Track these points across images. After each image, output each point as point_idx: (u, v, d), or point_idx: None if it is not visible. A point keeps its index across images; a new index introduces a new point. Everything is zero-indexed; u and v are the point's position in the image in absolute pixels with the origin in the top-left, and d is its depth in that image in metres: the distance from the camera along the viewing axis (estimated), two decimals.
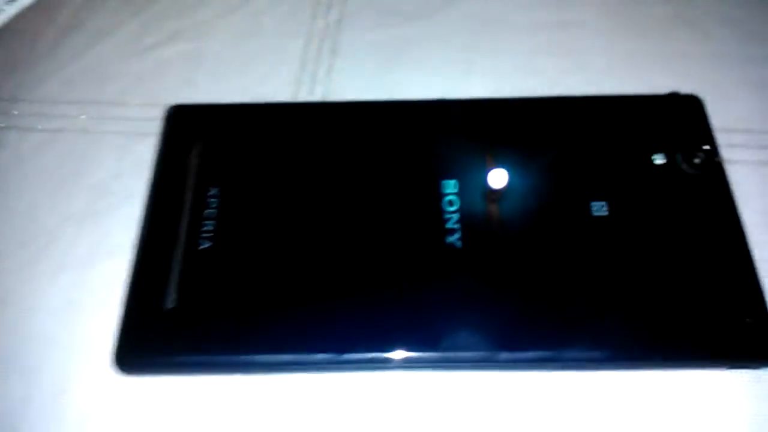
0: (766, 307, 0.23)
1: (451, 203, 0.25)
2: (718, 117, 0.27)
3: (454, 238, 0.24)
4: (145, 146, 0.28)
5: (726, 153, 0.26)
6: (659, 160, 0.25)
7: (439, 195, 0.25)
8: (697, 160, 0.25)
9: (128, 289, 0.24)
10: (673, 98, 0.27)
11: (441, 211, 0.25)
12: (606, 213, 0.24)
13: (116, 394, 0.23)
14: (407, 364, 0.22)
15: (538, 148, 0.26)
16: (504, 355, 0.22)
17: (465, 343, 0.22)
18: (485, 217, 0.24)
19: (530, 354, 0.22)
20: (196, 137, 0.27)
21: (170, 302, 0.23)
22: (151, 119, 0.29)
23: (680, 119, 0.27)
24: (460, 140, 0.27)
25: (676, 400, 0.22)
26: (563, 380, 0.23)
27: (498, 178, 0.24)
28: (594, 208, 0.24)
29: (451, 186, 0.25)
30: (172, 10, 0.33)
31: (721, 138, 0.26)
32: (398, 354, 0.22)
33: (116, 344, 0.23)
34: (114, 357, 0.23)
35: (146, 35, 0.32)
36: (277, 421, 0.22)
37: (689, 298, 0.23)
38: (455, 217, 0.24)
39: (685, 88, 0.27)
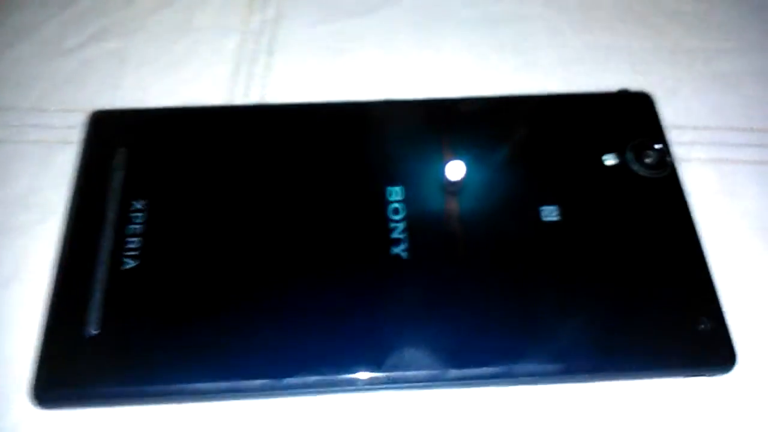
0: (721, 312, 0.22)
1: (396, 211, 0.23)
2: (669, 114, 0.26)
3: (399, 249, 0.23)
4: (67, 155, 0.26)
5: (678, 151, 0.26)
6: (610, 160, 0.25)
7: (385, 202, 0.24)
8: (648, 160, 0.25)
9: (47, 313, 0.22)
10: (623, 96, 0.26)
11: (386, 220, 0.23)
12: (557, 218, 0.23)
13: (33, 431, 0.21)
14: (351, 386, 0.21)
15: (486, 151, 0.25)
16: (454, 372, 0.21)
17: (413, 361, 0.21)
18: (433, 226, 0.23)
19: (482, 370, 0.21)
20: (120, 145, 0.25)
21: (93, 328, 0.21)
22: (74, 126, 0.27)
23: (630, 117, 0.26)
24: (406, 144, 0.25)
25: (634, 410, 0.22)
26: (518, 395, 0.22)
27: (451, 173, 0.23)
28: (544, 213, 0.23)
29: (396, 193, 0.24)
30: (96, 8, 0.30)
31: (673, 135, 0.26)
32: (342, 377, 0.21)
33: (34, 375, 0.21)
34: (32, 389, 0.21)
35: (69, 34, 0.30)
36: None
37: (643, 305, 0.22)
38: (401, 226, 0.23)
39: (636, 84, 0.27)
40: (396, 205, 0.24)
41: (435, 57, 0.29)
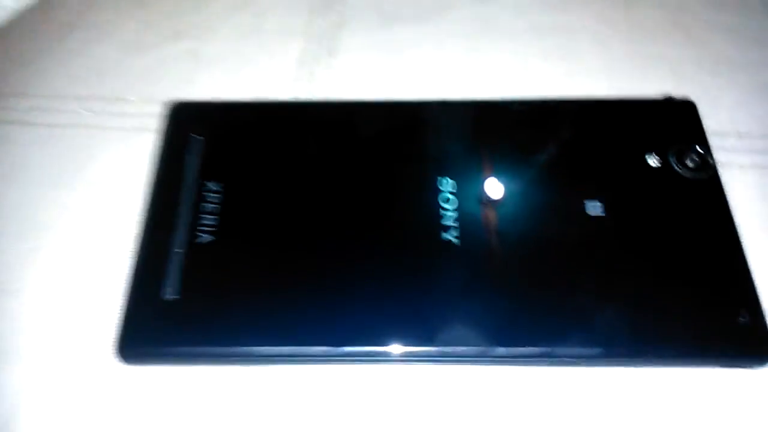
0: (760, 307, 0.23)
1: (447, 200, 0.25)
2: (711, 121, 0.27)
3: (450, 235, 0.24)
4: (146, 141, 0.28)
5: (720, 156, 0.27)
6: (654, 162, 0.26)
7: (436, 191, 0.25)
8: (691, 163, 0.26)
9: (130, 280, 0.24)
10: (668, 102, 0.28)
11: (438, 208, 0.25)
12: (601, 213, 0.25)
13: (117, 383, 0.23)
14: (403, 358, 0.23)
15: (534, 149, 0.26)
16: (499, 350, 0.22)
17: (460, 338, 0.23)
18: (482, 215, 0.25)
19: (525, 350, 0.22)
20: (196, 133, 0.27)
21: (171, 294, 0.23)
22: (151, 116, 0.29)
23: (675, 123, 0.27)
24: (458, 140, 0.27)
25: (670, 397, 0.23)
26: (558, 375, 0.23)
27: (494, 185, 0.25)
28: (589, 207, 0.25)
29: (448, 184, 0.25)
30: (173, 10, 0.33)
31: (714, 141, 0.27)
32: (394, 348, 0.23)
33: (118, 335, 0.23)
34: (116, 347, 0.23)
35: (148, 34, 0.32)
36: (274, 412, 0.23)
37: (683, 297, 0.23)
38: (452, 214, 0.25)
39: (678, 92, 0.28)
40: (447, 194, 0.25)
41: (484, 62, 0.31)
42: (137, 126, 0.29)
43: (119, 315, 0.23)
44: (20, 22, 0.33)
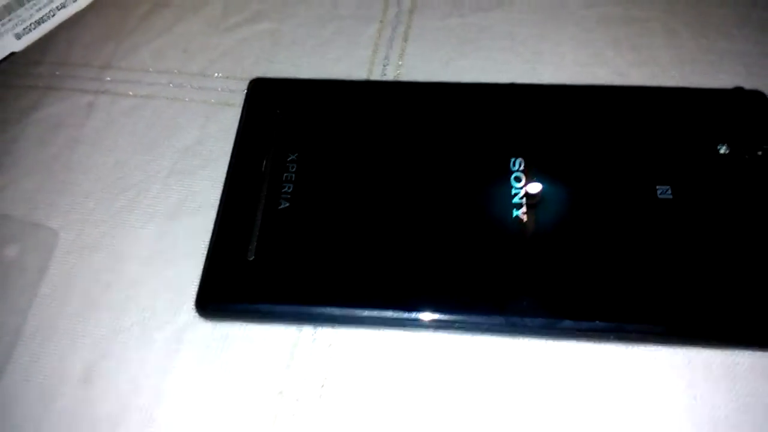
0: None
1: (518, 179, 0.26)
2: None
3: (520, 212, 0.25)
4: (228, 115, 0.30)
5: None
6: (723, 150, 0.26)
7: (509, 171, 0.26)
8: (760, 152, 0.26)
9: (211, 241, 0.25)
10: (739, 93, 0.28)
11: (510, 186, 0.26)
12: (670, 196, 0.25)
13: (196, 338, 0.25)
14: (473, 328, 0.24)
15: (604, 134, 0.27)
16: (566, 323, 0.23)
17: (528, 309, 0.23)
18: (553, 194, 0.26)
19: (593, 324, 0.23)
20: (276, 107, 0.28)
21: (250, 255, 0.25)
22: (234, 91, 0.31)
23: (744, 112, 0.27)
24: (530, 123, 0.28)
25: (726, 378, 0.23)
26: (618, 353, 0.23)
27: (565, 167, 0.25)
28: (660, 191, 0.25)
29: (518, 164, 0.26)
30: None
31: None
32: (464, 317, 0.23)
33: (199, 291, 0.24)
34: (196, 303, 0.24)
35: (231, 14, 0.34)
36: (343, 373, 0.24)
37: (744, 282, 0.23)
38: (522, 192, 0.26)
39: (749, 85, 0.28)
40: (517, 174, 0.26)
41: (553, 50, 0.32)
42: (221, 100, 0.31)
43: (200, 273, 0.25)
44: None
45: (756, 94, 0.28)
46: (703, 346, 0.23)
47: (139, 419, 0.23)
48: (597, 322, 0.23)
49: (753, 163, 0.26)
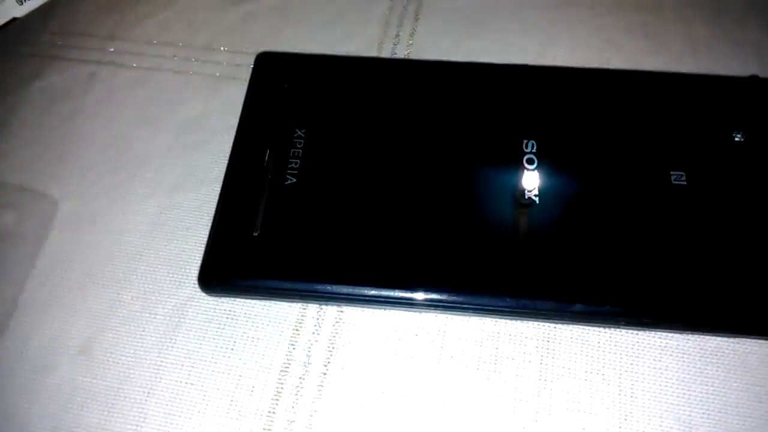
0: None
1: (530, 161, 0.25)
2: None
3: (532, 194, 0.25)
4: (233, 89, 0.29)
5: None
6: (738, 138, 0.26)
7: (521, 153, 0.26)
8: None
9: (216, 215, 0.25)
10: (754, 81, 0.28)
11: (522, 168, 0.25)
12: (684, 182, 0.25)
13: (198, 313, 0.24)
14: (480, 308, 0.23)
15: (617, 118, 0.26)
16: (577, 307, 0.23)
17: (538, 292, 0.23)
18: (565, 176, 0.25)
19: (603, 308, 0.23)
20: (282, 82, 0.28)
21: (255, 231, 0.24)
22: (240, 65, 0.30)
23: (759, 100, 0.27)
24: (545, 105, 0.27)
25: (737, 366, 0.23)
26: (630, 338, 0.23)
27: (577, 150, 0.25)
28: (674, 177, 0.25)
29: (531, 146, 0.26)
30: None
31: None
32: (471, 299, 0.23)
33: (202, 265, 0.24)
34: (199, 277, 0.24)
35: None
36: (348, 353, 0.23)
37: (758, 270, 0.23)
38: (533, 174, 0.25)
39: (760, 74, 0.28)
40: (530, 156, 0.26)
41: (567, 33, 0.31)
42: (226, 74, 0.30)
43: (204, 247, 0.24)
44: None
45: None
46: (714, 334, 0.23)
47: (138, 393, 0.23)
48: (608, 306, 0.23)
49: (767, 151, 0.25)
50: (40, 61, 0.31)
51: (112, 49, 0.31)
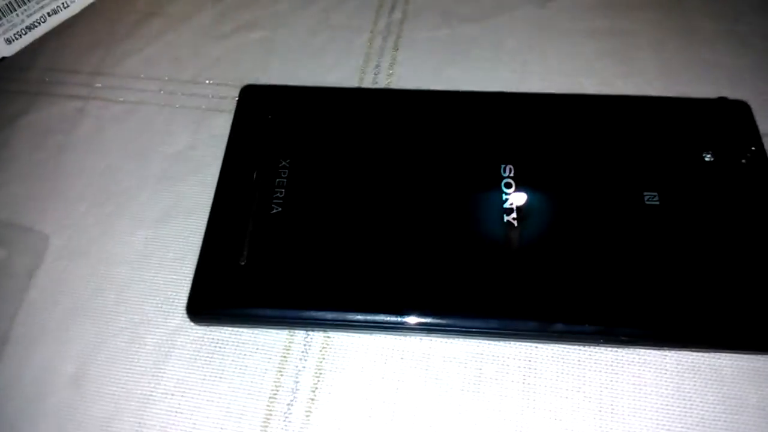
0: None
1: (508, 185, 0.26)
2: (764, 124, 0.28)
3: (511, 217, 0.25)
4: (219, 121, 0.30)
5: None
6: (708, 158, 0.27)
7: (499, 177, 0.26)
8: (744, 161, 0.27)
9: (203, 246, 0.25)
10: (722, 103, 0.29)
11: (500, 192, 0.26)
12: (657, 202, 0.26)
13: (187, 342, 0.24)
14: (463, 331, 0.24)
15: (590, 141, 0.27)
16: (558, 326, 0.23)
17: (519, 311, 0.24)
18: (541, 199, 0.26)
19: (583, 327, 0.23)
20: (268, 113, 0.29)
21: (242, 260, 0.25)
22: (225, 98, 0.31)
23: (728, 121, 0.28)
24: (521, 130, 0.28)
25: (723, 383, 0.23)
26: (609, 356, 0.24)
27: (553, 173, 0.26)
28: (647, 198, 0.26)
29: (509, 170, 0.27)
30: (244, 4, 0.35)
31: (767, 142, 0.28)
32: (455, 321, 0.24)
33: (190, 295, 0.24)
34: (187, 307, 0.24)
35: (223, 23, 0.34)
36: (336, 378, 0.24)
37: (731, 285, 0.24)
38: (513, 198, 0.26)
39: (734, 96, 0.29)
40: (508, 180, 0.26)
41: (541, 61, 0.32)
42: (212, 106, 0.31)
43: (191, 277, 0.25)
44: (102, 7, 0.35)
45: (739, 103, 0.28)
46: (690, 349, 0.24)
47: (129, 423, 0.23)
48: (587, 325, 0.23)
49: (736, 171, 0.26)
50: (29, 98, 0.32)
51: (99, 85, 0.32)
